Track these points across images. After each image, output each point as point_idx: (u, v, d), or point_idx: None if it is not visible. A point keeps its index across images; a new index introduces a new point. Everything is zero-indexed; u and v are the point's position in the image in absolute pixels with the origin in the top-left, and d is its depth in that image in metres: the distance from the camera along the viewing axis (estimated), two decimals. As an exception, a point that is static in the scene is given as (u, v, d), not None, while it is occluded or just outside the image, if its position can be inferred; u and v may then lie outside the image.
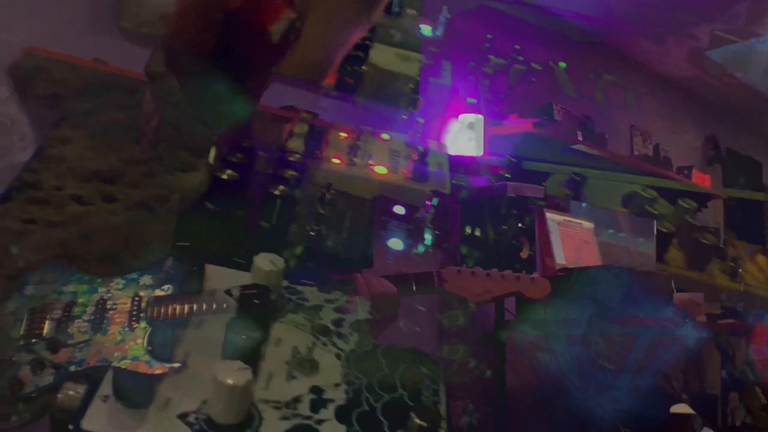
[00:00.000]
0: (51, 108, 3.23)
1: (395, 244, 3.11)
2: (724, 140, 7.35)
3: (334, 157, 3.37)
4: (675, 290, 4.02)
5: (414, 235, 3.24)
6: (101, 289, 2.39)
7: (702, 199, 6.15)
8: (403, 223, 3.31)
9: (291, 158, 3.21)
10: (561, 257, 4.49)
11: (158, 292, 2.38)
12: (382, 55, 4.12)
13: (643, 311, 3.75)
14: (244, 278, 2.43)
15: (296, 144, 3.35)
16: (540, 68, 5.43)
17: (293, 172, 3.13)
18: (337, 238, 3.05)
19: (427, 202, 3.39)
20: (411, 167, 3.47)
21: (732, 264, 3.80)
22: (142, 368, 2.18)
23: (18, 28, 3.41)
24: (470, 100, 4.46)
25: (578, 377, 3.59)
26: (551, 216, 4.55)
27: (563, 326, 3.64)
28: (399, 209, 3.36)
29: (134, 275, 2.44)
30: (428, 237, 3.16)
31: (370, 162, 3.44)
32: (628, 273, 4.32)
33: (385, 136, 3.63)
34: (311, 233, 3.01)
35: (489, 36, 5.16)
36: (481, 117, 4.33)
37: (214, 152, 2.99)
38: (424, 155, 3.53)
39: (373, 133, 3.62)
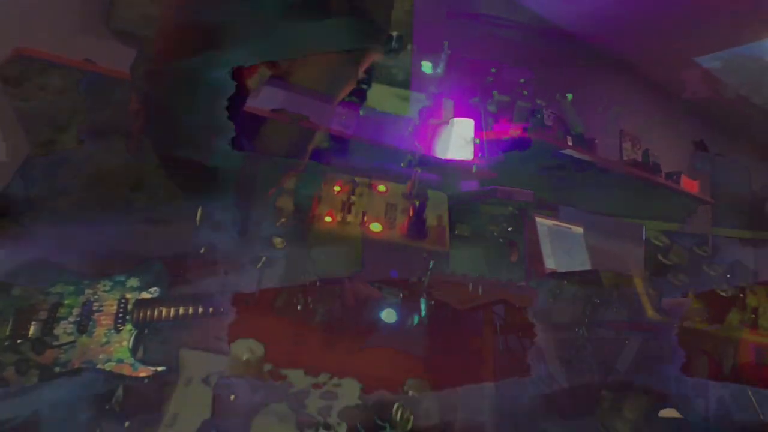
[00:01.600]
0: (41, 111, 3.21)
1: (388, 315, 2.91)
2: (712, 145, 7.38)
3: (327, 215, 3.16)
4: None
5: (409, 303, 3.03)
6: (88, 291, 2.39)
7: (690, 204, 6.19)
8: (398, 289, 3.10)
9: (277, 223, 3.01)
10: (551, 262, 4.49)
11: (145, 295, 2.38)
12: (380, 97, 4.04)
13: (633, 316, 3.75)
14: (221, 362, 2.35)
15: (284, 202, 3.10)
16: (544, 104, 5.37)
17: (279, 240, 2.94)
18: (326, 311, 2.88)
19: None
20: (408, 223, 3.22)
21: (753, 315, 3.61)
22: (127, 371, 2.18)
23: (7, 29, 3.40)
24: (474, 140, 4.37)
25: (566, 381, 3.59)
26: (541, 220, 4.55)
27: (552, 330, 3.63)
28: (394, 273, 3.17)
29: (121, 277, 2.44)
30: (423, 307, 2.97)
31: (365, 219, 3.21)
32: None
33: (381, 187, 3.42)
34: (298, 307, 2.79)
35: (493, 69, 5.08)
36: (471, 121, 4.32)
37: (200, 213, 2.93)
38: (422, 208, 3.28)
39: (369, 186, 3.41)
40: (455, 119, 4.30)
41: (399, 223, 3.20)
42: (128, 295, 2.37)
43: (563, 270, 4.48)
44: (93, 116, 3.18)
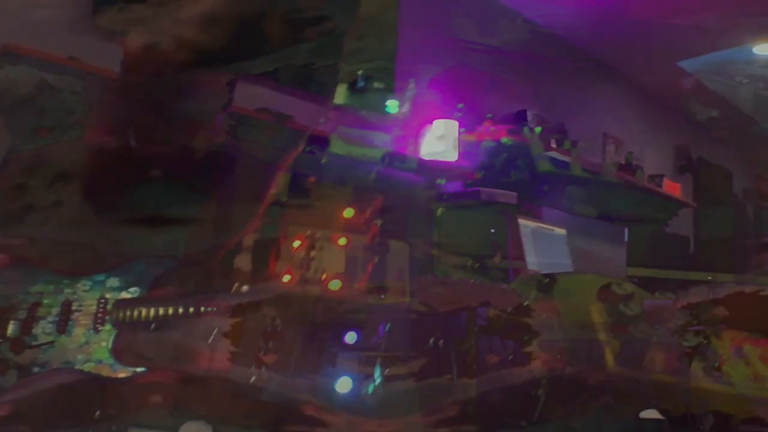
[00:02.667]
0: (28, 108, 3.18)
1: (344, 385, 2.73)
2: (695, 149, 7.43)
3: (285, 273, 2.91)
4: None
5: (367, 368, 2.84)
6: (67, 290, 2.37)
7: (673, 207, 6.23)
8: (355, 354, 2.88)
9: (233, 290, 2.74)
10: (534, 264, 4.50)
11: (125, 295, 2.36)
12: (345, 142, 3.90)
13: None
14: None
15: (242, 261, 2.85)
16: (511, 143, 5.28)
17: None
18: (280, 381, 2.66)
19: (381, 326, 3.02)
20: (367, 278, 3.00)
21: (716, 364, 3.43)
22: (106, 372, 2.17)
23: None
24: (440, 180, 4.25)
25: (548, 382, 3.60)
26: (524, 222, 4.56)
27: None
28: (351, 337, 2.86)
29: (101, 276, 2.42)
30: (378, 374, 2.83)
31: (324, 276, 2.96)
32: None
33: (342, 240, 3.11)
34: (251, 380, 2.62)
35: (460, 105, 4.92)
36: (455, 122, 4.31)
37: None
38: (383, 262, 3.08)
39: (329, 239, 3.11)
40: (438, 120, 4.30)
41: (359, 279, 2.99)
42: (108, 295, 2.35)
43: (546, 272, 4.49)
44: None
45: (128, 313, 2.29)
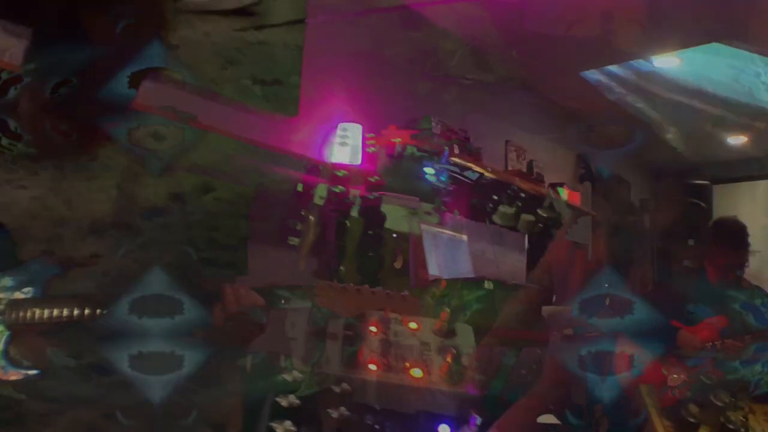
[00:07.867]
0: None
1: None
2: (595, 158, 7.57)
3: (370, 362, 2.98)
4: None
5: None
6: (-42, 289, 2.31)
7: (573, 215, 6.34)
8: None
9: (337, 389, 2.85)
10: (434, 268, 4.53)
11: (18, 295, 2.30)
12: (393, 218, 4.00)
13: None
14: None
15: (331, 349, 2.96)
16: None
17: (345, 411, 2.84)
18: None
19: (472, 419, 3.04)
20: (446, 368, 3.06)
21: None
22: (-3, 375, 2.11)
23: None
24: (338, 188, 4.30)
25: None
26: (426, 227, 4.58)
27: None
28: (444, 429, 2.95)
29: (-7, 276, 2.36)
30: None
31: (406, 364, 3.06)
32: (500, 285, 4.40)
33: (412, 324, 3.26)
34: None
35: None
36: (359, 126, 4.32)
37: None
38: (458, 354, 3.15)
39: (400, 322, 3.24)
40: (343, 124, 4.30)
41: (436, 366, 3.04)
42: (0, 295, 2.29)
43: (447, 276, 4.53)
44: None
45: (21, 314, 2.23)
